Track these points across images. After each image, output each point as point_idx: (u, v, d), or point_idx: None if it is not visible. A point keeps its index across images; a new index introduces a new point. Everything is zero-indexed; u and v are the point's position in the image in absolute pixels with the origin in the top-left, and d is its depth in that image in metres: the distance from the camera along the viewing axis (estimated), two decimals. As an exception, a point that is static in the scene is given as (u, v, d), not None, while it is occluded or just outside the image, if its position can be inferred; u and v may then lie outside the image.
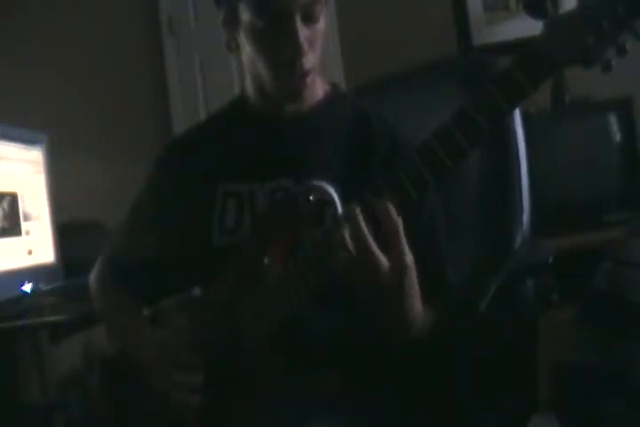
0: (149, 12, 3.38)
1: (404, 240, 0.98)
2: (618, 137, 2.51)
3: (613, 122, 2.51)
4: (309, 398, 1.11)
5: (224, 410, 1.14)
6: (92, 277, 1.40)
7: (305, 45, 1.13)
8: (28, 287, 2.03)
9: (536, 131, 1.51)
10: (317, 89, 1.26)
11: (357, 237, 0.97)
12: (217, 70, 3.24)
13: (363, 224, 0.97)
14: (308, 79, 1.18)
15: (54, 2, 3.40)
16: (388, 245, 0.98)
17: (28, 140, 2.22)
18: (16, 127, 2.20)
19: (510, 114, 1.23)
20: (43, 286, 2.08)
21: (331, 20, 2.85)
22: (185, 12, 3.36)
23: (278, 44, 1.14)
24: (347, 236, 0.97)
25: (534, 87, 0.92)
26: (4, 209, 2.03)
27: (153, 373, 1.19)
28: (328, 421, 1.09)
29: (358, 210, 0.98)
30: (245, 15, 1.15)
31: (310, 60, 1.16)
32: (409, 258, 0.99)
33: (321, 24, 1.16)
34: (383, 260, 0.98)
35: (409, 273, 1.01)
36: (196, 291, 1.32)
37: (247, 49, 1.18)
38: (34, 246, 2.16)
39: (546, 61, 0.92)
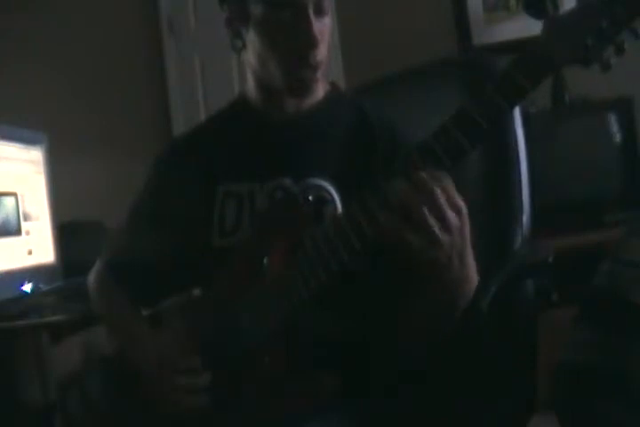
0: (149, 12, 3.38)
1: (456, 193, 0.95)
2: (618, 137, 2.51)
3: (613, 122, 2.51)
4: (309, 398, 1.11)
5: (224, 410, 1.14)
6: (92, 277, 1.40)
7: (318, 37, 1.14)
8: (28, 287, 2.03)
9: (536, 131, 1.51)
10: (319, 88, 1.27)
11: (429, 194, 0.93)
12: (217, 70, 3.24)
13: (428, 181, 0.93)
14: (319, 73, 1.19)
15: (54, 2, 3.40)
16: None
17: (28, 140, 2.22)
18: (16, 127, 2.20)
19: (510, 113, 1.23)
20: (43, 286, 2.08)
21: (331, 19, 2.85)
22: (185, 12, 3.36)
23: (292, 37, 1.15)
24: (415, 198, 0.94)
25: (534, 87, 0.92)
26: (3, 209, 2.03)
27: (153, 373, 1.19)
28: (328, 421, 1.09)
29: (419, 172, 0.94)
30: (257, 10, 1.16)
31: (322, 51, 1.17)
32: (465, 209, 0.97)
33: (329, 17, 1.18)
34: (451, 214, 0.95)
35: (467, 220, 0.98)
36: (196, 291, 1.32)
37: (256, 45, 1.19)
38: (34, 246, 2.16)
39: (545, 61, 0.92)
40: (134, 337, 1.28)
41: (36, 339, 1.89)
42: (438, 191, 0.93)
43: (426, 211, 0.93)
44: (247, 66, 1.25)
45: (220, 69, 3.19)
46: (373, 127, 1.24)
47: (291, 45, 1.16)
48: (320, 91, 1.27)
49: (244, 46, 1.22)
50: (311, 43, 1.15)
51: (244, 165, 1.26)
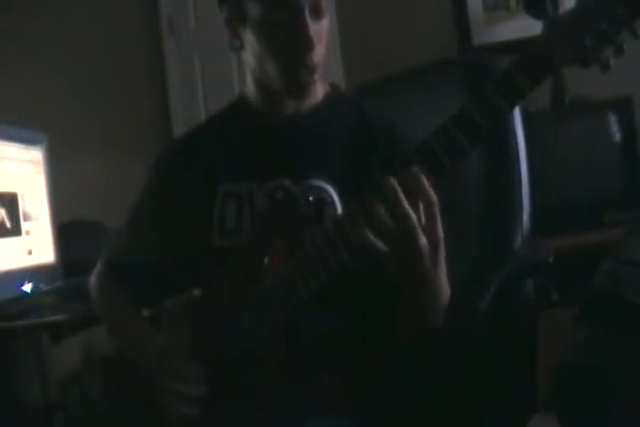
0: (149, 12, 3.38)
1: (438, 213, 0.97)
2: (618, 137, 2.51)
3: (613, 122, 2.51)
4: (309, 399, 1.11)
5: (224, 410, 1.14)
6: (93, 277, 1.40)
7: (314, 39, 1.14)
8: (28, 287, 2.04)
9: (536, 131, 1.51)
10: (319, 88, 1.27)
11: (398, 208, 0.95)
12: (217, 70, 3.24)
13: (403, 197, 0.95)
14: (316, 75, 1.18)
15: (54, 2, 3.40)
16: (425, 218, 0.97)
17: (28, 140, 2.22)
18: (16, 127, 2.21)
19: (510, 113, 1.23)
20: (43, 286, 2.08)
21: (331, 19, 2.85)
22: (185, 12, 3.36)
23: (288, 38, 1.15)
24: (382, 209, 0.96)
25: (534, 87, 0.92)
26: (3, 209, 2.03)
27: (152, 374, 1.19)
28: (328, 421, 1.09)
29: (395, 182, 0.96)
30: (254, 11, 1.15)
31: (319, 53, 1.17)
32: (441, 231, 0.98)
33: (327, 19, 1.17)
34: (420, 232, 0.97)
35: (442, 246, 1.00)
36: (196, 291, 1.32)
37: (254, 46, 1.18)
38: (34, 246, 2.16)
39: (545, 61, 0.92)
40: (134, 337, 1.28)
41: (36, 339, 1.89)
42: (404, 203, 0.95)
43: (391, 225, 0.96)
44: (246, 66, 1.25)
45: (220, 69, 3.19)
46: (373, 127, 1.24)
47: (287, 47, 1.15)
48: (319, 91, 1.27)
49: (243, 47, 1.22)
50: (307, 45, 1.14)
51: (244, 165, 1.26)
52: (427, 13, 3.03)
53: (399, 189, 0.95)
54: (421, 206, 0.96)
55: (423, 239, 0.97)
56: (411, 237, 0.96)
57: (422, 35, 2.97)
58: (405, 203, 0.95)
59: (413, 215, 0.95)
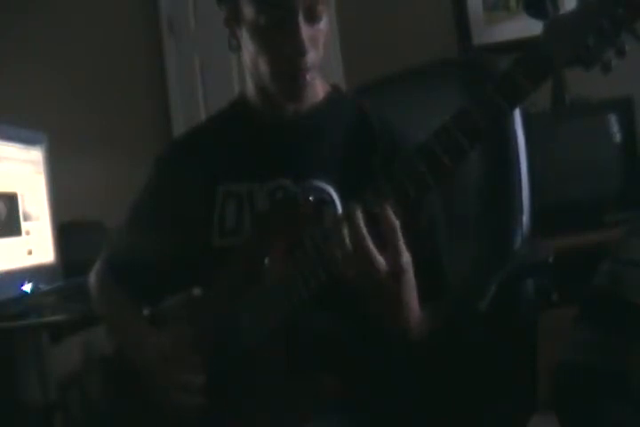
0: (149, 12, 3.38)
1: (401, 241, 0.98)
2: (618, 137, 2.51)
3: (613, 122, 2.51)
4: (309, 399, 1.11)
5: (224, 410, 1.14)
6: (93, 277, 1.40)
7: (306, 43, 1.13)
8: (28, 287, 2.04)
9: (536, 131, 1.51)
10: (318, 89, 1.26)
11: (355, 235, 0.97)
12: (217, 70, 3.24)
13: (362, 223, 0.97)
14: (308, 77, 1.18)
15: (54, 2, 3.40)
16: (386, 245, 0.98)
17: (28, 140, 2.22)
18: (16, 127, 2.20)
19: (510, 114, 1.24)
20: (43, 286, 2.08)
21: (331, 20, 2.85)
22: (185, 12, 3.36)
23: (280, 42, 1.14)
24: (345, 234, 0.97)
25: (534, 88, 0.92)
26: (3, 209, 2.03)
27: (153, 373, 1.19)
28: (328, 421, 1.09)
29: (359, 209, 0.98)
30: (248, 12, 1.15)
31: (311, 58, 1.16)
32: (405, 259, 1.00)
33: (323, 24, 1.16)
34: (380, 259, 0.98)
35: (405, 274, 1.01)
36: (196, 291, 1.32)
37: (249, 47, 1.18)
38: (34, 246, 2.16)
39: (546, 62, 0.92)
40: (134, 337, 1.28)
41: (36, 339, 1.89)
42: (368, 244, 0.98)
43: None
44: (245, 66, 1.25)
45: (220, 69, 3.19)
46: (373, 127, 1.24)
47: (280, 50, 1.14)
48: (319, 91, 1.27)
49: (240, 46, 1.21)
50: (299, 50, 1.13)
51: (244, 165, 1.26)
52: (427, 13, 3.03)
53: (359, 215, 0.98)
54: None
55: (380, 260, 0.98)
56: (363, 257, 0.98)
57: (422, 35, 2.97)
58: (359, 225, 0.97)
59: (367, 240, 0.97)
